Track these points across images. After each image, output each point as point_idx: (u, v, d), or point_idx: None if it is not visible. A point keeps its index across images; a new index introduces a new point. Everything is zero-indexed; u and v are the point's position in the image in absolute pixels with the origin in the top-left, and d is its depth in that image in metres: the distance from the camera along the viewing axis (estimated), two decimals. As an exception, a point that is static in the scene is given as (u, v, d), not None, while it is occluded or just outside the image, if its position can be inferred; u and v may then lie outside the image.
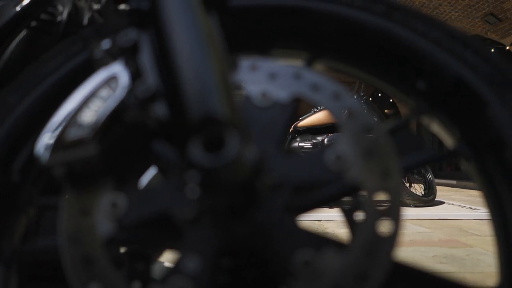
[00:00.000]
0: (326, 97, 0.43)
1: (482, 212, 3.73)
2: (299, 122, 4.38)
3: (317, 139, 4.13)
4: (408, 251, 2.18)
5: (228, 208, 0.34)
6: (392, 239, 0.35)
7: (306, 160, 0.40)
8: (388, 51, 0.53)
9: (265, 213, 0.36)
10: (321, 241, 0.36)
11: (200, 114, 0.35)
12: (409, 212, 3.67)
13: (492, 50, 0.49)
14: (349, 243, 0.35)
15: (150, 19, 0.43)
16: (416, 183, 4.33)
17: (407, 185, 4.25)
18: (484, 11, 7.85)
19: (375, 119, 0.41)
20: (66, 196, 0.40)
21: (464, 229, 3.00)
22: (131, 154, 0.41)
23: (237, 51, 0.57)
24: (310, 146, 4.14)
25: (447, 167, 11.72)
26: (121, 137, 0.40)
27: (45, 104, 0.51)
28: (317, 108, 4.46)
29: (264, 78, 0.45)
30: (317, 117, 4.29)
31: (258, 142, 0.41)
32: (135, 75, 0.42)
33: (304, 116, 4.42)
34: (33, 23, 0.78)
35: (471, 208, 4.03)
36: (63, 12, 0.84)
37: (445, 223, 3.30)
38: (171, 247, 0.37)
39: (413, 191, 4.24)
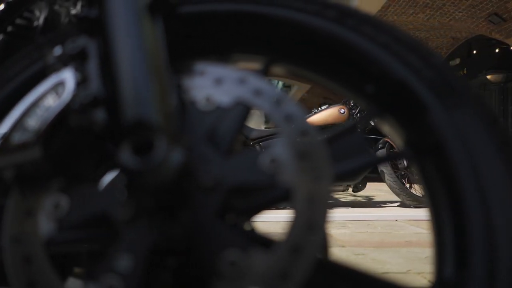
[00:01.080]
0: (267, 102, 0.44)
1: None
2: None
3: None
4: (402, 252, 2.19)
5: (158, 209, 0.36)
6: (317, 240, 0.36)
7: (242, 162, 0.41)
8: (340, 55, 0.54)
9: (196, 214, 0.38)
10: (249, 242, 0.37)
11: (133, 119, 0.37)
12: (408, 213, 3.66)
13: (439, 56, 0.50)
14: (276, 243, 0.36)
15: (98, 27, 0.45)
16: (417, 183, 4.31)
17: (407, 185, 4.24)
18: (488, 11, 7.80)
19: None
20: (13, 198, 0.42)
21: (462, 230, 2.99)
22: (77, 156, 0.43)
23: (196, 56, 0.58)
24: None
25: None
26: (66, 140, 0.42)
27: (4, 110, 0.53)
28: (317, 109, 4.47)
29: (210, 83, 0.47)
30: (318, 118, 4.30)
31: (198, 146, 0.42)
32: (81, 81, 0.43)
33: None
34: (9, 28, 0.80)
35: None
36: (40, 17, 0.86)
37: (443, 224, 3.29)
38: (108, 247, 0.38)
39: (414, 191, 4.23)
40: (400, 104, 0.49)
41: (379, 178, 4.14)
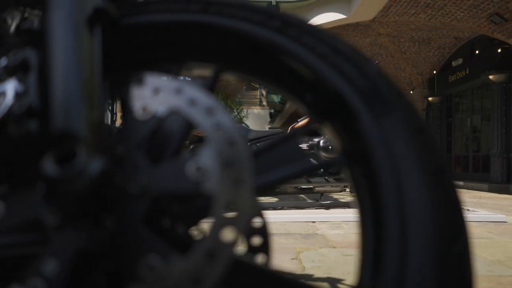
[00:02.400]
0: (199, 112, 0.46)
1: (480, 214, 3.71)
2: (296, 124, 4.40)
3: (313, 141, 4.15)
4: (391, 253, 2.19)
5: (82, 215, 0.38)
6: (233, 245, 0.38)
7: (170, 170, 0.43)
8: (283, 64, 0.56)
9: (121, 220, 0.39)
10: (169, 247, 0.39)
11: (58, 129, 0.38)
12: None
13: (376, 63, 0.52)
14: (193, 248, 0.38)
15: (39, 38, 0.47)
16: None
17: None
18: (489, 11, 7.78)
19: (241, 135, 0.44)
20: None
21: (456, 231, 2.99)
22: (14, 164, 0.44)
23: (148, 66, 0.60)
24: (306, 148, 4.16)
25: (456, 168, 11.63)
26: (3, 149, 0.43)
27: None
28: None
29: (148, 93, 0.48)
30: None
31: (131, 154, 0.44)
32: (22, 92, 0.45)
33: (302, 118, 4.43)
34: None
35: (468, 210, 4.00)
36: (11, 25, 0.88)
37: (438, 225, 3.29)
38: (39, 251, 0.40)
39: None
40: (335, 112, 0.50)
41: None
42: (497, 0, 7.35)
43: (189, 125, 0.47)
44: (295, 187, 4.09)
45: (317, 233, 2.88)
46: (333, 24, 10.10)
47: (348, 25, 10.19)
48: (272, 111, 32.80)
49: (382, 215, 0.42)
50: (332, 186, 4.10)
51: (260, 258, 0.54)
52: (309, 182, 4.04)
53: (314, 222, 3.44)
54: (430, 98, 12.21)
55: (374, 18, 9.42)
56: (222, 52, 0.60)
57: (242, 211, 0.39)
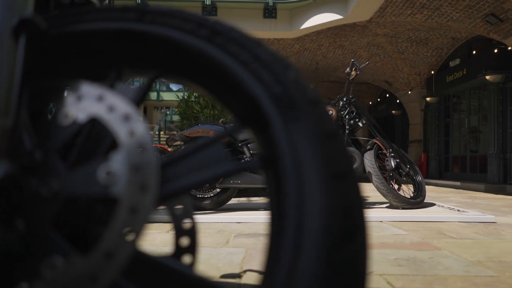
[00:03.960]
0: (116, 118, 0.48)
1: (469, 215, 3.72)
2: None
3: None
4: (373, 253, 2.21)
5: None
6: (132, 245, 0.40)
7: (83, 175, 0.45)
8: (211, 71, 0.58)
9: (32, 222, 0.42)
10: (71, 248, 0.41)
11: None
12: (394, 214, 3.68)
13: (293, 71, 0.54)
14: (93, 249, 0.40)
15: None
16: (404, 184, 4.33)
17: (396, 187, 4.25)
18: (484, 12, 7.79)
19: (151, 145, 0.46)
20: None
21: (443, 232, 3.00)
22: None
23: (81, 73, 0.62)
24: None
25: (454, 168, 11.64)
26: None
27: None
28: (307, 111, 4.48)
29: (72, 100, 0.50)
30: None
31: (47, 159, 0.46)
32: None
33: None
34: None
35: (459, 210, 4.01)
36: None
37: (426, 225, 3.30)
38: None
39: (401, 193, 4.24)
40: (254, 118, 0.52)
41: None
42: (493, 1, 7.36)
43: (107, 131, 0.49)
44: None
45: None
46: (330, 25, 10.12)
47: (345, 25, 10.20)
48: (272, 111, 32.87)
49: (282, 216, 0.44)
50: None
51: (186, 258, 0.56)
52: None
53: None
54: (428, 99, 12.22)
55: (371, 18, 9.43)
56: (157, 59, 0.62)
57: (142, 213, 0.41)
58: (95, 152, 0.51)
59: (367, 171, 4.12)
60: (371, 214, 3.68)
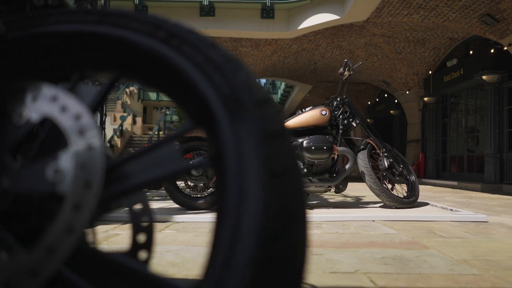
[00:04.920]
0: (68, 118, 0.49)
1: (461, 214, 3.73)
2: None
3: (297, 141, 4.18)
4: (360, 252, 2.22)
5: None
6: (74, 241, 0.42)
7: (32, 173, 0.46)
8: (168, 73, 0.59)
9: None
10: (16, 243, 0.42)
11: None
12: (387, 214, 3.69)
13: (242, 72, 0.55)
14: (36, 244, 0.42)
15: None
16: (398, 183, 4.34)
17: (389, 186, 4.26)
18: (480, 12, 7.80)
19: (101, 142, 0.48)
20: None
21: (433, 231, 3.02)
22: None
23: (43, 75, 0.64)
24: (290, 149, 4.18)
25: (452, 168, 11.65)
26: None
27: None
28: (301, 111, 4.50)
29: (28, 100, 0.52)
30: (299, 120, 4.34)
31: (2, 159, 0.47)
32: None
33: (288, 118, 4.47)
34: None
35: (451, 210, 4.03)
36: None
37: (417, 225, 3.32)
38: None
39: (395, 192, 4.26)
40: (205, 118, 0.54)
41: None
42: (488, 1, 7.37)
43: (59, 131, 0.50)
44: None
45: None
46: (327, 25, 10.13)
47: (342, 25, 10.22)
48: (272, 111, 32.87)
49: (223, 213, 0.45)
50: (316, 187, 4.13)
51: (142, 255, 0.58)
52: (293, 182, 4.07)
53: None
54: (426, 98, 12.23)
55: (368, 19, 9.45)
56: (117, 61, 0.63)
57: (85, 210, 0.43)
58: (50, 150, 0.53)
59: (360, 171, 4.14)
60: (364, 213, 3.70)
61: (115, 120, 19.84)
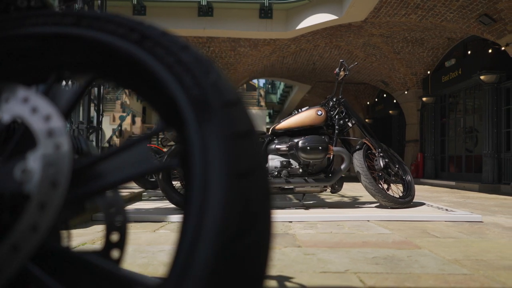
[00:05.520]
0: (38, 119, 0.50)
1: (456, 214, 3.74)
2: (277, 125, 4.44)
3: (293, 141, 4.19)
4: (352, 252, 2.23)
5: None
6: (37, 240, 0.42)
7: (0, 173, 0.47)
8: (141, 74, 0.60)
9: None
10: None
11: None
12: (382, 214, 3.70)
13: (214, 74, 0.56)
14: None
15: None
16: (393, 183, 4.35)
17: (385, 186, 4.27)
18: (478, 12, 7.81)
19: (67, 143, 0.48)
20: None
21: (427, 231, 3.03)
22: None
23: (24, 74, 0.64)
24: (286, 148, 4.20)
25: (450, 168, 11.66)
26: None
27: None
28: (297, 111, 4.51)
29: (2, 101, 0.53)
30: (295, 120, 4.35)
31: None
32: None
33: (284, 119, 4.48)
34: None
35: (447, 210, 4.03)
36: None
37: (412, 225, 3.33)
38: None
39: (390, 192, 4.26)
40: (175, 119, 0.55)
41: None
42: (486, 1, 7.38)
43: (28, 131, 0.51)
44: (276, 187, 4.13)
45: (288, 232, 2.92)
46: (325, 25, 10.14)
47: (340, 26, 10.23)
48: (271, 111, 32.92)
49: (187, 212, 0.46)
50: (312, 187, 4.14)
51: (115, 254, 0.59)
52: (289, 182, 4.08)
53: (291, 222, 3.48)
54: (424, 99, 12.24)
55: (366, 19, 9.46)
56: (93, 63, 0.64)
57: (50, 209, 0.44)
58: (24, 151, 0.54)
59: (356, 171, 4.15)
60: (359, 213, 3.70)
61: (114, 120, 19.87)
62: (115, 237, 0.59)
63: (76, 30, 0.62)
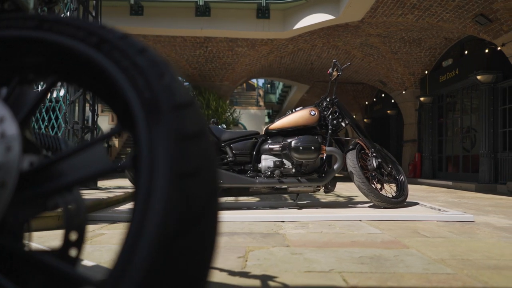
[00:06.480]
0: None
1: (448, 214, 3.75)
2: (271, 125, 4.45)
3: (286, 141, 4.21)
4: (339, 252, 2.24)
5: None
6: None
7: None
8: (100, 77, 0.61)
9: None
10: None
11: None
12: (375, 214, 3.71)
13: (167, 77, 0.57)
14: None
15: None
16: (386, 183, 4.36)
17: (378, 186, 4.28)
18: (474, 12, 7.82)
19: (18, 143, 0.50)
20: None
21: (418, 231, 3.04)
22: None
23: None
24: (279, 148, 4.21)
25: (448, 167, 11.67)
26: None
27: None
28: (291, 111, 4.52)
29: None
30: (288, 120, 4.36)
31: None
32: None
33: (277, 119, 4.49)
34: None
35: (439, 210, 4.05)
36: None
37: (403, 225, 3.34)
38: None
39: (384, 193, 4.28)
40: (129, 121, 0.56)
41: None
42: (482, 1, 7.40)
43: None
44: (269, 187, 4.14)
45: (278, 232, 2.94)
46: (322, 25, 10.16)
47: (338, 26, 10.24)
48: (270, 111, 32.93)
49: (132, 210, 0.48)
50: (305, 186, 4.16)
51: (72, 252, 0.60)
52: (282, 182, 4.09)
53: (283, 221, 3.49)
54: (422, 98, 12.26)
55: (363, 19, 9.47)
56: (55, 65, 0.65)
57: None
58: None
59: (349, 171, 4.16)
60: (351, 213, 3.71)
61: (113, 120, 19.88)
62: (73, 236, 0.61)
63: (38, 34, 0.64)
